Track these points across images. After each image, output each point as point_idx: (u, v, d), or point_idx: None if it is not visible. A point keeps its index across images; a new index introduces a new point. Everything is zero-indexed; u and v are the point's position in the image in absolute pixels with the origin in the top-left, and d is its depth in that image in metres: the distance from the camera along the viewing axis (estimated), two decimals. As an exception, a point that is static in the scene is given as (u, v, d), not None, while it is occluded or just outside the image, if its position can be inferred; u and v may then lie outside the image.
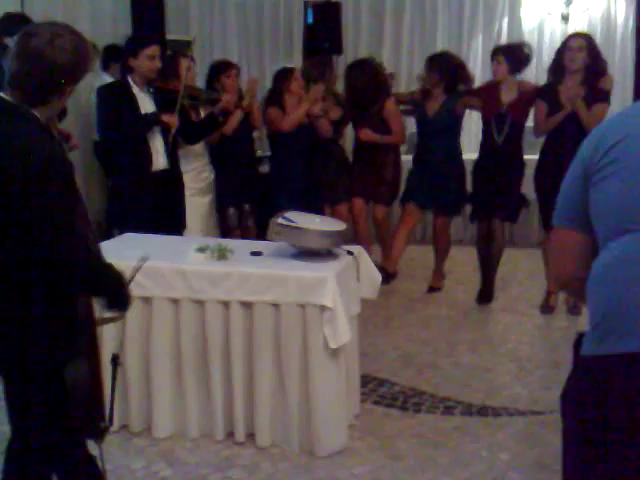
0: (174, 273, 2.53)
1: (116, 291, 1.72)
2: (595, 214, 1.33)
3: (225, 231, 4.10)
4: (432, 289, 4.42)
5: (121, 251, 2.48)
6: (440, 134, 4.24)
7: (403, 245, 4.44)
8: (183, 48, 4.12)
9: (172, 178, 3.58)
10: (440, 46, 5.62)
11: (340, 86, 4.65)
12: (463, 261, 4.79)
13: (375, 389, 3.07)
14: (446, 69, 4.19)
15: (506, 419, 2.82)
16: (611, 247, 1.29)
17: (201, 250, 2.64)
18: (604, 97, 3.77)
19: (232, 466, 2.49)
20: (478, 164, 4.23)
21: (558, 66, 3.87)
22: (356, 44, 5.86)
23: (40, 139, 1.60)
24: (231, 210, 4.16)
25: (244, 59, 6.04)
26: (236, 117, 4.01)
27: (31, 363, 1.67)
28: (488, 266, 4.20)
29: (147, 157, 3.44)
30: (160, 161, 3.49)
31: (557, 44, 5.52)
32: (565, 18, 5.57)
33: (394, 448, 2.60)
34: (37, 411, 1.71)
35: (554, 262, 1.45)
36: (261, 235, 3.91)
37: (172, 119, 3.45)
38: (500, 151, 4.04)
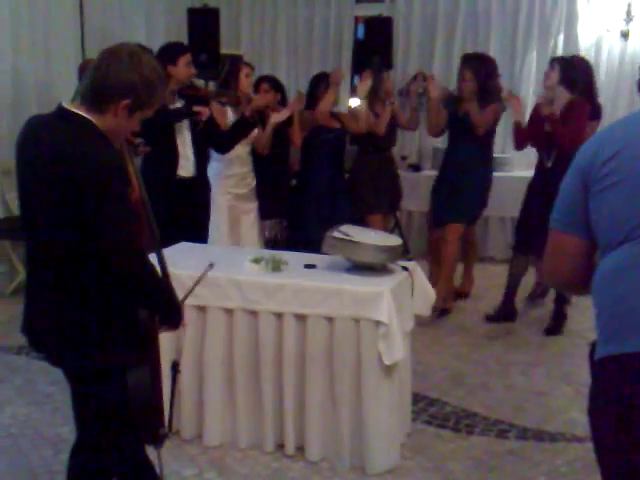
0: (229, 283, 2.54)
1: (168, 306, 1.75)
2: (596, 223, 1.35)
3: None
4: (444, 311, 4.07)
5: (178, 261, 2.50)
6: (466, 135, 4.04)
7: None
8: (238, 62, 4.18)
9: (198, 185, 3.58)
10: (493, 62, 5.57)
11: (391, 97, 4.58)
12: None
13: (426, 408, 3.01)
14: (480, 69, 3.99)
15: (563, 445, 2.73)
16: (613, 254, 1.32)
17: (256, 261, 2.64)
18: None
19: (282, 479, 2.47)
20: (530, 186, 3.95)
21: None
22: (407, 59, 5.85)
23: (96, 146, 1.60)
24: (267, 223, 4.18)
25: (292, 74, 6.11)
26: (267, 133, 3.99)
27: (93, 367, 1.68)
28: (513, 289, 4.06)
29: (174, 163, 3.46)
30: (187, 168, 3.51)
31: (615, 62, 5.42)
32: (625, 35, 5.36)
33: (447, 470, 2.54)
34: (99, 414, 1.73)
35: (551, 264, 1.47)
36: (292, 247, 3.91)
37: (204, 109, 3.47)
38: (549, 175, 3.63)
